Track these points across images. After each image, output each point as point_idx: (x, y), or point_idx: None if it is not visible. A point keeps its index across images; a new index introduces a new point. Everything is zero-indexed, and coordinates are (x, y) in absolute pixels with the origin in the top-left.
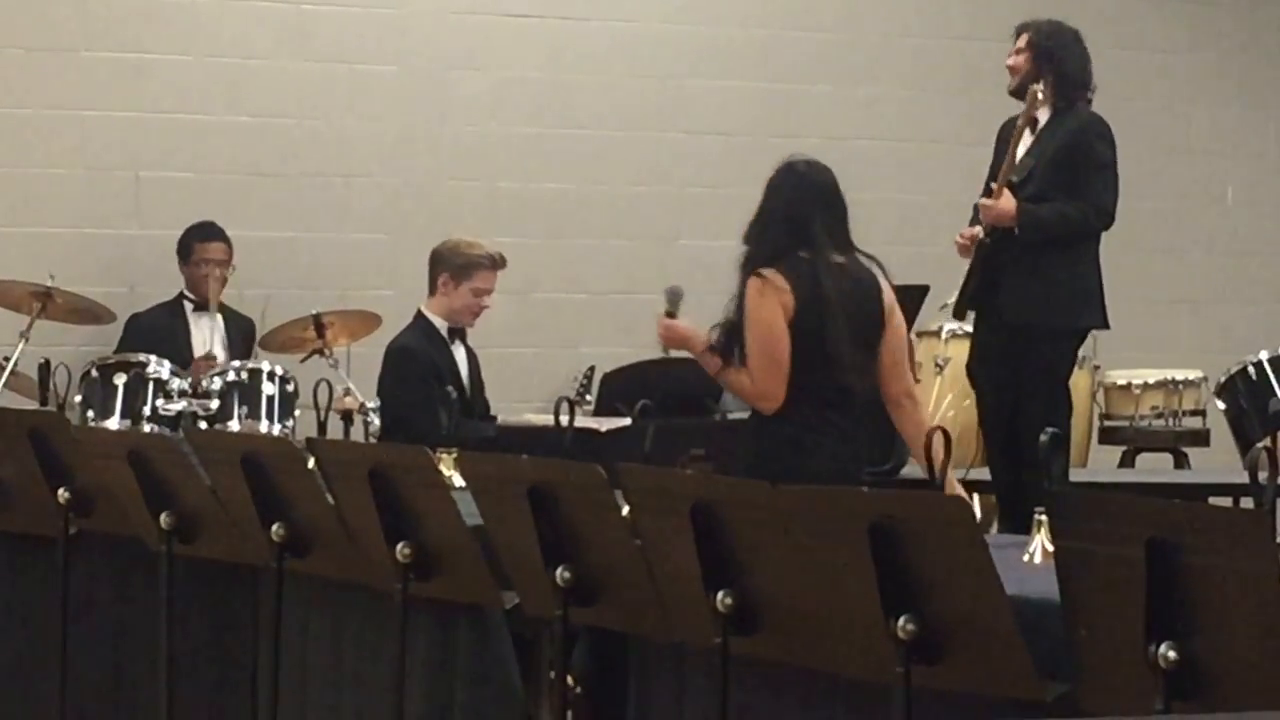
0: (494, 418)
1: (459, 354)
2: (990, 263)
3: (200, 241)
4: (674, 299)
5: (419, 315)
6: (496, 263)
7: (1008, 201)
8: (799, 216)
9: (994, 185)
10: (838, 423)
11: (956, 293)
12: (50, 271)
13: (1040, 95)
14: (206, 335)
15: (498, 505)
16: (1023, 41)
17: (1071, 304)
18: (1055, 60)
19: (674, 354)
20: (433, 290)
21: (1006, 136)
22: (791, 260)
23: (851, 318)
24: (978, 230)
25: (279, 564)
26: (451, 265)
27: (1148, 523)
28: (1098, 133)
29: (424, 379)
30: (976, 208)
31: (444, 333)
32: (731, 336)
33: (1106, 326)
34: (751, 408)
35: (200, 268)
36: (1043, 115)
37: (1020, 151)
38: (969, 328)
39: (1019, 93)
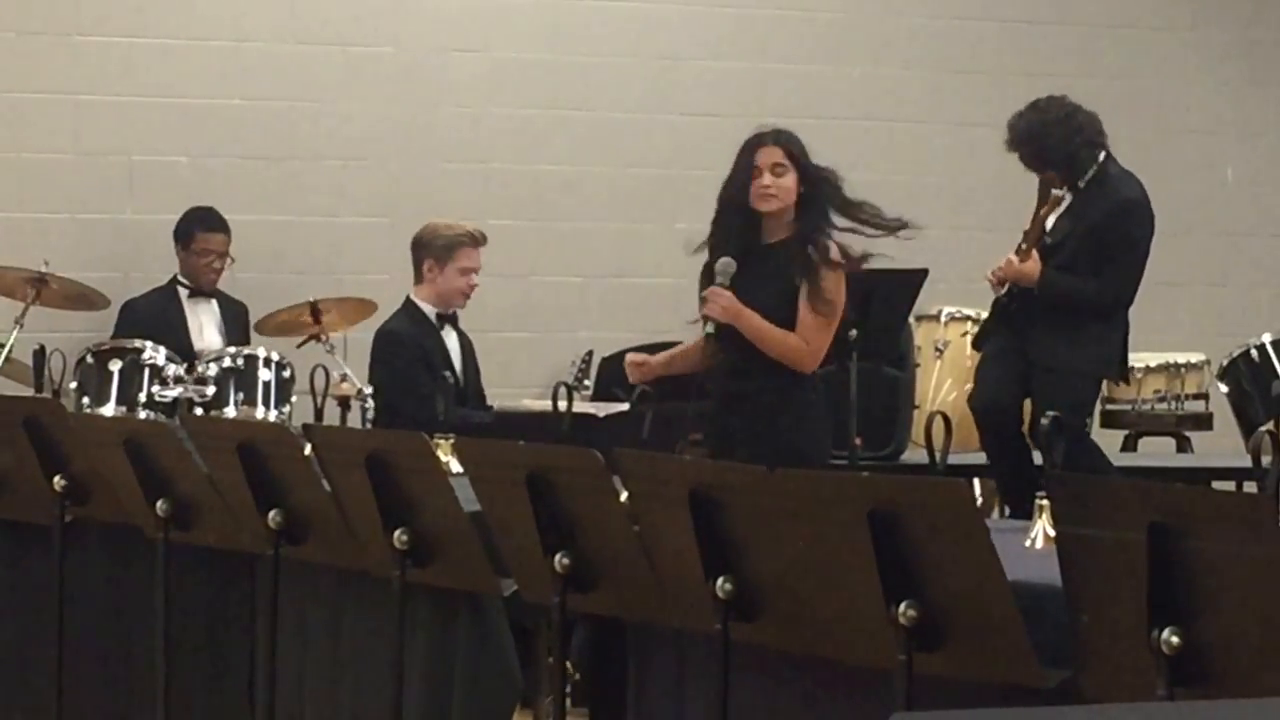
0: (490, 406)
1: (450, 340)
2: (1018, 306)
3: (204, 231)
4: (728, 271)
5: (407, 302)
6: (477, 240)
7: (1033, 265)
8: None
9: (1023, 246)
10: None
11: (981, 324)
12: (44, 257)
13: (1056, 190)
14: (202, 321)
15: (495, 491)
16: (1023, 160)
17: (1096, 354)
18: (1047, 155)
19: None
20: (419, 278)
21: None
22: None
23: None
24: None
25: (276, 551)
26: (434, 249)
27: (1150, 507)
28: (1135, 216)
29: (412, 364)
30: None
31: (433, 319)
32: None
33: (1127, 382)
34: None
35: (201, 257)
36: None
37: (1055, 215)
38: (969, 311)
39: (1047, 188)
